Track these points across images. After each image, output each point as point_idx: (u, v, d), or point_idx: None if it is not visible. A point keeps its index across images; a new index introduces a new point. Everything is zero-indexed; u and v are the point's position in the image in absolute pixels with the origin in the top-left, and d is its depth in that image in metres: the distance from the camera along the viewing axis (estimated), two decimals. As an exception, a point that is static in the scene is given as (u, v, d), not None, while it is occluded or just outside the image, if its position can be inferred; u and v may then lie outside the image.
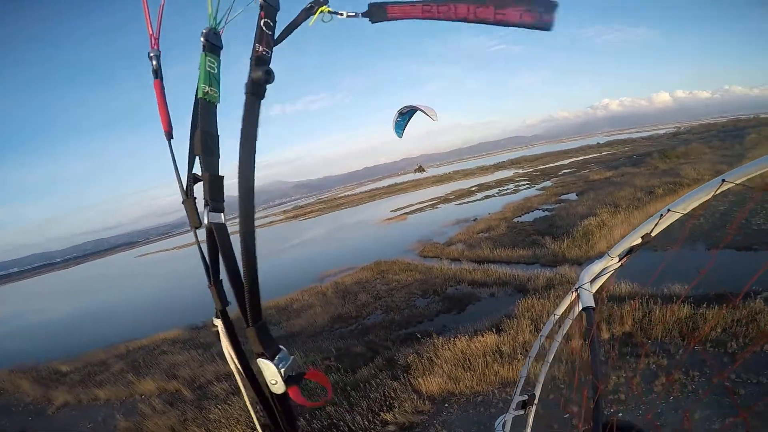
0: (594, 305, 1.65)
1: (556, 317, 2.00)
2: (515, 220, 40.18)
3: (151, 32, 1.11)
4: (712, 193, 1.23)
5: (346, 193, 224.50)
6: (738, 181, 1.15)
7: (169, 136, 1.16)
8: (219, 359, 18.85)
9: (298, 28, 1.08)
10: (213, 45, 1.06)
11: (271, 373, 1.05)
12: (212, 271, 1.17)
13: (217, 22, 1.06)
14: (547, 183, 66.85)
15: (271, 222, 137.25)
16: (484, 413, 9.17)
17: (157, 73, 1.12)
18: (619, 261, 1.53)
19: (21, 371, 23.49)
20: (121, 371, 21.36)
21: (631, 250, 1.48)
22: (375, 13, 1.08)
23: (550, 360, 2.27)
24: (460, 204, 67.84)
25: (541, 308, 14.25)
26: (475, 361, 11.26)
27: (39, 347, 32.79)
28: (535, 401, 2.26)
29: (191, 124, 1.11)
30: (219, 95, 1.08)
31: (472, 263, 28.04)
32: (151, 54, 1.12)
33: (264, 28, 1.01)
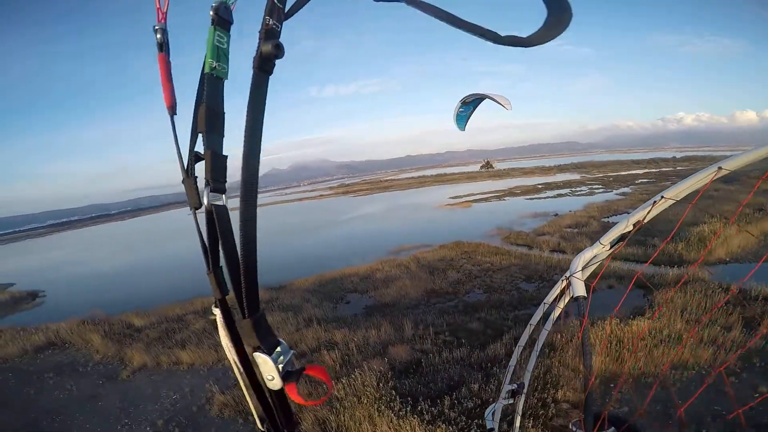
0: (585, 294, 1.77)
1: (546, 305, 2.07)
2: (604, 219, 39.45)
3: (158, 6, 1.10)
4: (709, 180, 1.38)
5: (391, 177, 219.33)
6: (733, 168, 1.27)
7: (173, 111, 1.11)
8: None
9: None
10: (223, 19, 0.98)
11: (269, 369, 0.95)
12: (211, 257, 1.08)
13: None
14: (626, 189, 65.31)
15: (320, 195, 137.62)
16: (660, 392, 9.08)
17: (162, 47, 1.11)
18: (610, 248, 1.65)
19: (92, 323, 21.05)
20: (203, 331, 18.81)
21: (622, 238, 1.62)
22: None
23: (539, 349, 2.35)
24: (530, 199, 66.17)
25: (684, 299, 14.09)
26: (633, 343, 11.19)
27: (109, 297, 30.82)
28: (524, 390, 2.31)
29: (195, 101, 1.03)
30: (227, 71, 1.00)
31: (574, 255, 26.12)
32: (157, 27, 1.10)
33: (275, 1, 0.93)
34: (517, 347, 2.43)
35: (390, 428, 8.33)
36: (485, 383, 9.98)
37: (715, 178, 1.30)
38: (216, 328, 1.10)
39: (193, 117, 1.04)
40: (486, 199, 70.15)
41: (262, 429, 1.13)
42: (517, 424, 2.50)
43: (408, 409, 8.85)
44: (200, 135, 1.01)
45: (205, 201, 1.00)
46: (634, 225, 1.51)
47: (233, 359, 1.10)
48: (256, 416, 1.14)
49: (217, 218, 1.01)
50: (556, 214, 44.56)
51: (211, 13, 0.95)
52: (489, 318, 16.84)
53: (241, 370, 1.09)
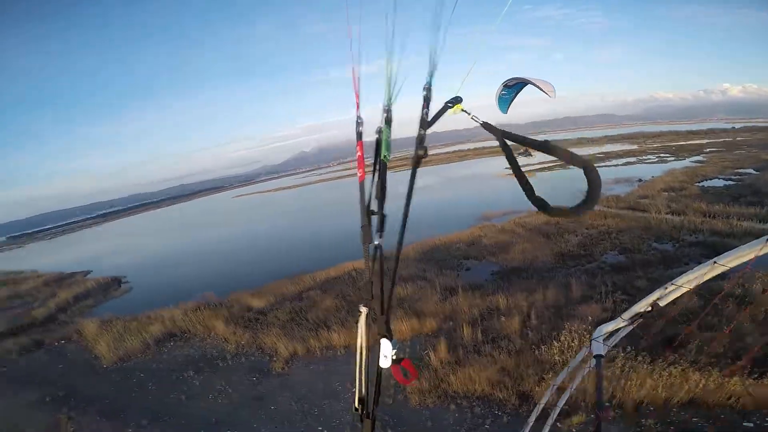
0: (603, 354, 2.22)
1: (570, 369, 2.65)
2: (698, 184, 39.53)
3: (357, 101, 1.44)
4: (759, 251, 1.54)
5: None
6: None
7: (363, 183, 1.44)
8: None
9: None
10: (389, 119, 1.34)
11: (387, 350, 1.34)
12: (372, 278, 1.40)
13: (391, 100, 1.31)
14: (698, 157, 63.95)
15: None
16: None
17: (360, 136, 1.45)
18: (631, 324, 1.92)
19: (208, 307, 19.49)
20: (337, 308, 17.07)
21: (641, 316, 1.86)
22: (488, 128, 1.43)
23: (558, 410, 2.92)
24: (598, 167, 62.17)
25: None
26: None
27: (195, 279, 29.71)
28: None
29: (373, 173, 1.41)
30: (389, 156, 1.36)
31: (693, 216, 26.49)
32: (358, 120, 1.45)
33: (424, 116, 1.28)
34: (535, 406, 3.30)
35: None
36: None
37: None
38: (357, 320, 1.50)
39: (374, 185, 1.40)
40: (548, 168, 65.65)
41: (357, 407, 1.52)
42: None
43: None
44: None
45: (375, 241, 1.35)
46: (652, 306, 1.70)
47: (361, 345, 1.52)
48: (356, 397, 1.51)
49: (379, 251, 1.36)
50: (640, 180, 45.30)
51: (384, 114, 1.32)
52: (651, 276, 16.49)
53: (364, 354, 1.51)
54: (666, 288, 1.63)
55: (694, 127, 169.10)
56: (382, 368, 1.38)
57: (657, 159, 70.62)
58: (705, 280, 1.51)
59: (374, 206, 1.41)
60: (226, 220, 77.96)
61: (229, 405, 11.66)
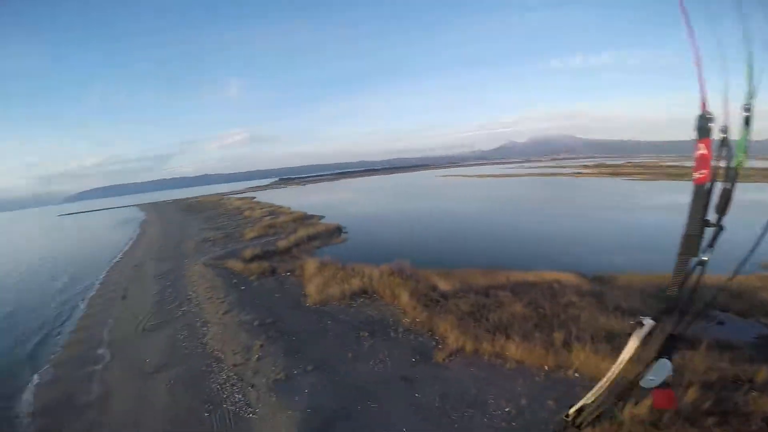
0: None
1: None
2: None
3: (703, 95, 1.25)
4: None
5: (673, 163, 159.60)
6: None
7: (701, 186, 1.30)
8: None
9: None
10: (748, 118, 1.19)
11: (662, 371, 1.27)
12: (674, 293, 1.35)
13: (751, 97, 1.16)
14: None
15: (577, 173, 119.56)
16: None
17: (708, 132, 1.27)
18: None
19: (399, 275, 20.00)
20: (523, 317, 15.06)
21: None
22: None
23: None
24: None
25: None
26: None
27: (403, 246, 30.97)
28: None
29: (712, 179, 1.29)
30: (744, 162, 1.22)
31: None
32: (706, 115, 1.27)
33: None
34: None
35: None
36: None
37: None
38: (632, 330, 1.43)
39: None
40: None
41: (570, 414, 1.52)
42: None
43: None
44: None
45: (703, 256, 1.26)
46: None
47: (628, 356, 1.41)
48: (579, 404, 1.57)
49: (702, 268, 1.29)
50: None
51: (743, 113, 1.18)
52: None
53: (622, 365, 1.40)
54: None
55: None
56: (642, 387, 1.39)
57: None
58: None
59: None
60: (432, 194, 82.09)
61: (380, 376, 11.59)
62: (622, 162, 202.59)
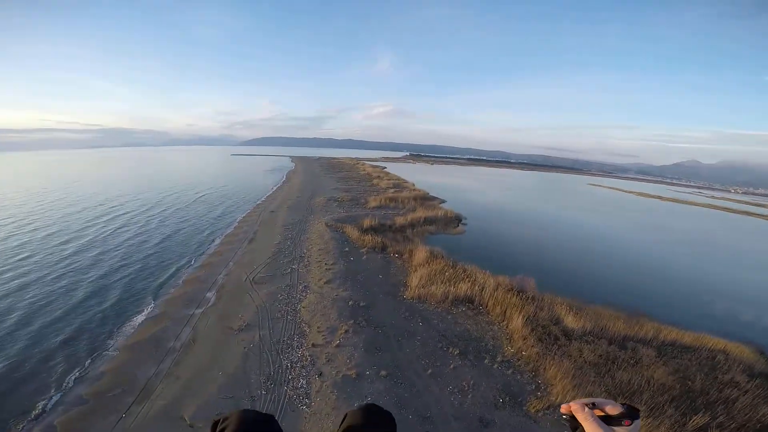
0: None
1: None
2: None
3: None
4: None
5: None
6: None
7: None
8: None
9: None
10: None
11: None
12: None
13: None
14: None
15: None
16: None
17: None
18: None
19: (518, 295, 17.37)
20: (665, 388, 11.57)
21: None
22: None
23: None
24: None
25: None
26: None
27: (530, 258, 27.61)
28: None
29: None
30: None
31: None
32: None
33: None
34: None
35: None
36: None
37: None
38: None
39: None
40: None
41: None
42: None
43: None
44: None
45: None
46: None
47: None
48: None
49: None
50: None
51: None
52: None
53: None
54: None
55: None
56: None
57: None
58: None
59: None
60: (574, 204, 72.05)
61: (454, 409, 9.88)
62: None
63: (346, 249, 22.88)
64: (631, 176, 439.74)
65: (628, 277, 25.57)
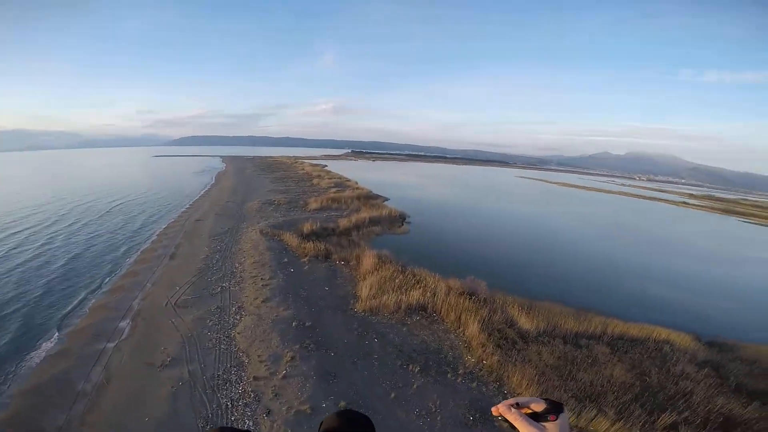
0: None
1: None
2: None
3: None
4: None
5: None
6: None
7: None
8: None
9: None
10: None
11: None
12: None
13: None
14: None
15: (684, 202, 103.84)
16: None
17: None
18: None
19: (470, 298, 16.59)
20: (623, 386, 11.64)
21: None
22: None
23: None
24: None
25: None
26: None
27: (476, 258, 26.86)
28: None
29: None
30: None
31: None
32: None
33: None
34: None
35: None
36: None
37: None
38: None
39: None
40: None
41: None
42: None
43: None
44: None
45: None
46: None
47: None
48: None
49: None
50: None
51: None
52: None
53: None
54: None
55: None
56: None
57: None
58: None
59: None
60: (510, 198, 75.11)
61: None
62: (736, 197, 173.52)
63: (285, 259, 20.73)
64: (553, 167, 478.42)
65: (568, 269, 26.40)
